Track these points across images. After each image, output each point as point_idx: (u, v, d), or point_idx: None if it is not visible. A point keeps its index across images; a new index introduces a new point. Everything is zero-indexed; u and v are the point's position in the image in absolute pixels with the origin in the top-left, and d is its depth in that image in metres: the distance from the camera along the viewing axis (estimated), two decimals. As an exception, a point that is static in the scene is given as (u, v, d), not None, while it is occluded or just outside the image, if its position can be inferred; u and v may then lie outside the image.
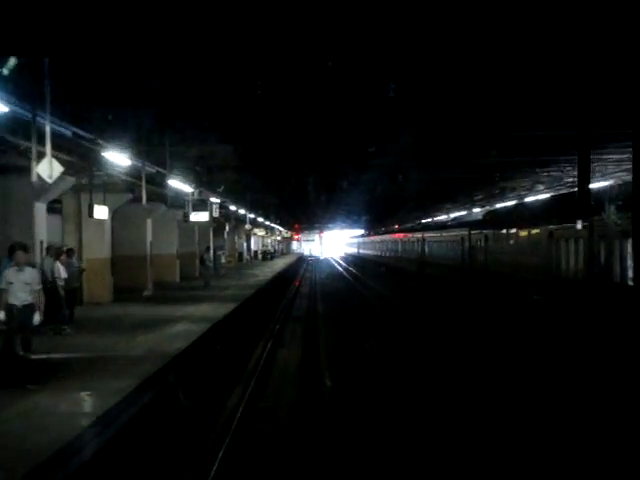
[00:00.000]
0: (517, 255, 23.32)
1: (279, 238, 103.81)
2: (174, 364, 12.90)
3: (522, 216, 23.91)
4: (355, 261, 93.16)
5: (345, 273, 62.56)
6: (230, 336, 18.28)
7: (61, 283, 18.11)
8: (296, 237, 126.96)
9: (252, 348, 17.60)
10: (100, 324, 18.65)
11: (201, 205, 31.43)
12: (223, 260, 46.45)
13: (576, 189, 30.42)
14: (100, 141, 15.91)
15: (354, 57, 12.37)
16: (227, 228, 52.59)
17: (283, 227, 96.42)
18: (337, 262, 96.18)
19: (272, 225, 79.27)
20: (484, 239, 27.90)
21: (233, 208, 42.58)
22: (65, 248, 19.81)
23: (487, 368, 14.94)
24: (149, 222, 31.95)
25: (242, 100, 19.64)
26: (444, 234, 37.68)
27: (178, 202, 30.75)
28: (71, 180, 20.02)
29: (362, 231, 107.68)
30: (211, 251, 45.44)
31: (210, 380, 13.22)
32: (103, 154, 15.91)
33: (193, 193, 26.49)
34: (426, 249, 42.91)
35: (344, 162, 30.90)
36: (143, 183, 19.59)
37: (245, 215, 46.06)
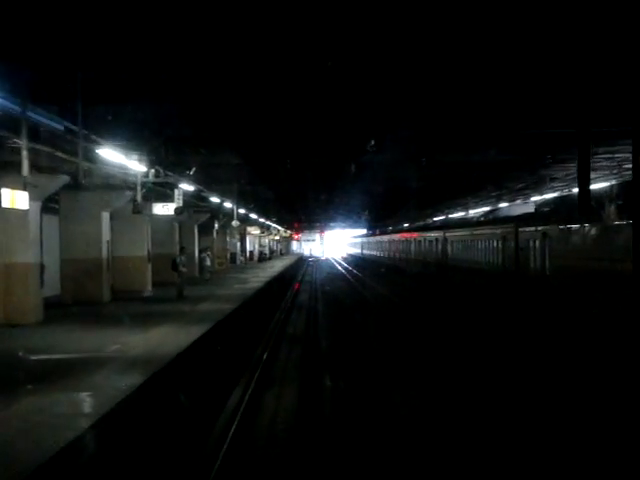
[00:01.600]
0: (601, 261, 16.43)
1: (277, 237, 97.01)
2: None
3: (611, 205, 16.96)
4: (357, 262, 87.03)
5: (349, 276, 56.48)
6: (178, 397, 11.14)
7: None
8: (296, 236, 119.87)
9: (209, 425, 10.53)
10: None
11: (170, 196, 24.35)
12: (208, 263, 39.48)
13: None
14: None
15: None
16: (216, 226, 46.14)
17: (282, 226, 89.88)
18: (339, 263, 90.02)
19: (269, 223, 72.54)
20: (541, 237, 20.94)
21: (216, 200, 35.47)
22: None
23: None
24: (105, 215, 25.40)
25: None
26: (476, 232, 30.54)
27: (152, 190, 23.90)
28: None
29: (366, 230, 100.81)
30: (195, 252, 39.32)
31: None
32: None
33: (147, 173, 19.35)
34: (449, 251, 35.83)
35: (348, 146, 24.61)
36: (24, 144, 12.44)
37: (233, 209, 39.03)
